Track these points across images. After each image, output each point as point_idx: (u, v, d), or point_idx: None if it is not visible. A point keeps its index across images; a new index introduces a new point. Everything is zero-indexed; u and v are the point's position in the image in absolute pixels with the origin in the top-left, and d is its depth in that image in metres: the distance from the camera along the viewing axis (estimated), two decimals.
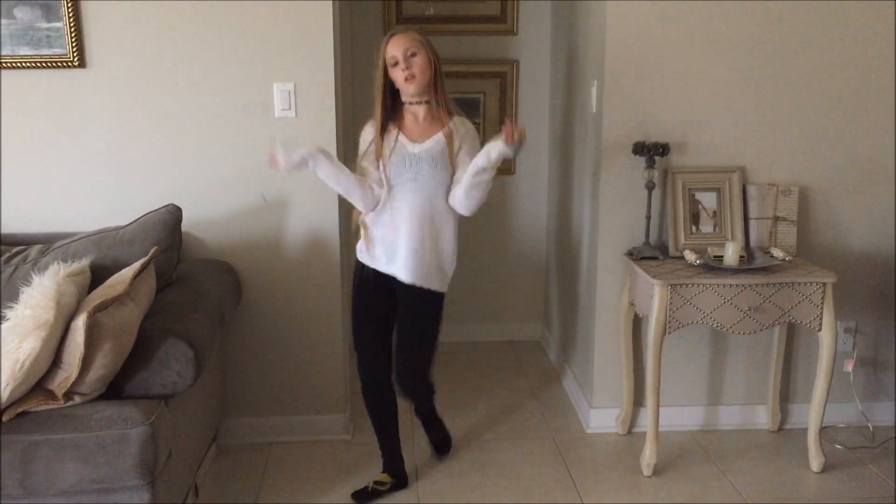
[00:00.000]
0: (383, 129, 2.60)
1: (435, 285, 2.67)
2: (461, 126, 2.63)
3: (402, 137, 2.58)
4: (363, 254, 2.71)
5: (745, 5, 3.01)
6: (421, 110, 2.59)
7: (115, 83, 2.96)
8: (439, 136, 2.59)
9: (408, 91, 2.54)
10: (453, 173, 2.61)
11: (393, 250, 2.63)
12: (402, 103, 2.61)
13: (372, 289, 2.71)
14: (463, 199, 2.58)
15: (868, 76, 3.09)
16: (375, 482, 2.86)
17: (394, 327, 2.75)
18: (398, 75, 2.52)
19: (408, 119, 2.60)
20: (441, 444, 3.13)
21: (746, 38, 3.04)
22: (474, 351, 4.11)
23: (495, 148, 2.47)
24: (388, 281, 2.67)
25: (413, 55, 2.50)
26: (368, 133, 2.64)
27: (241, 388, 3.22)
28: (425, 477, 3.00)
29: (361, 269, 2.72)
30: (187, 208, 2.89)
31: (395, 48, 2.51)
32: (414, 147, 2.57)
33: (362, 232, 2.69)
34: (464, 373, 3.85)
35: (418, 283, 2.63)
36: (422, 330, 2.74)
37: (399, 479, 2.90)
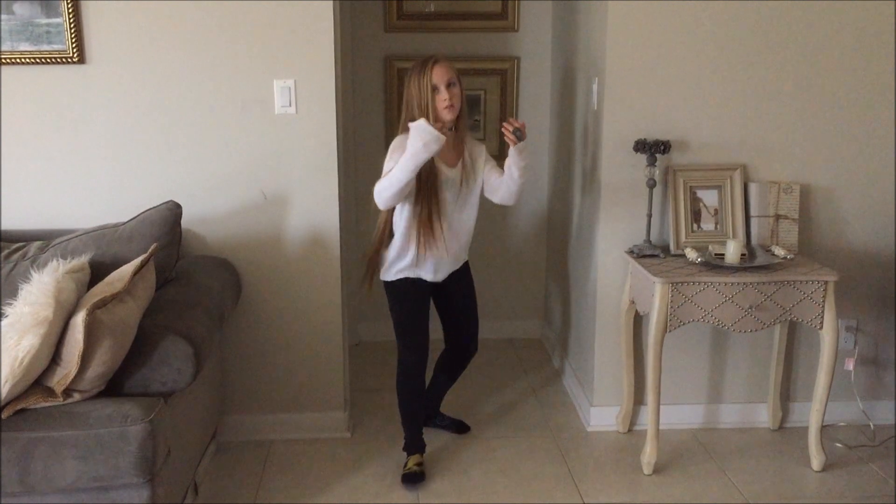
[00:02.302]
0: None
1: (463, 258, 2.99)
2: (475, 147, 2.87)
3: (439, 163, 2.72)
4: (406, 270, 2.86)
5: (746, 3, 3.00)
6: (451, 136, 2.73)
7: (114, 79, 2.95)
8: (466, 159, 2.81)
9: (444, 117, 2.67)
10: (479, 185, 2.88)
11: (438, 263, 2.86)
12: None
13: (421, 292, 2.91)
14: (513, 197, 2.89)
15: (871, 74, 3.08)
16: (416, 464, 2.95)
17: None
18: (437, 102, 2.66)
19: None
20: (460, 424, 3.33)
21: (748, 35, 3.03)
22: None
23: (513, 162, 2.75)
24: (429, 284, 2.92)
25: (453, 86, 2.66)
26: (401, 148, 2.65)
27: (241, 385, 3.21)
28: (426, 475, 2.99)
29: (405, 282, 2.88)
30: (187, 205, 2.89)
31: (438, 77, 2.64)
32: (450, 171, 2.76)
33: (408, 252, 2.83)
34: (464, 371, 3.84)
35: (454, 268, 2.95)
36: (473, 295, 3.09)
37: (422, 450, 3.05)
